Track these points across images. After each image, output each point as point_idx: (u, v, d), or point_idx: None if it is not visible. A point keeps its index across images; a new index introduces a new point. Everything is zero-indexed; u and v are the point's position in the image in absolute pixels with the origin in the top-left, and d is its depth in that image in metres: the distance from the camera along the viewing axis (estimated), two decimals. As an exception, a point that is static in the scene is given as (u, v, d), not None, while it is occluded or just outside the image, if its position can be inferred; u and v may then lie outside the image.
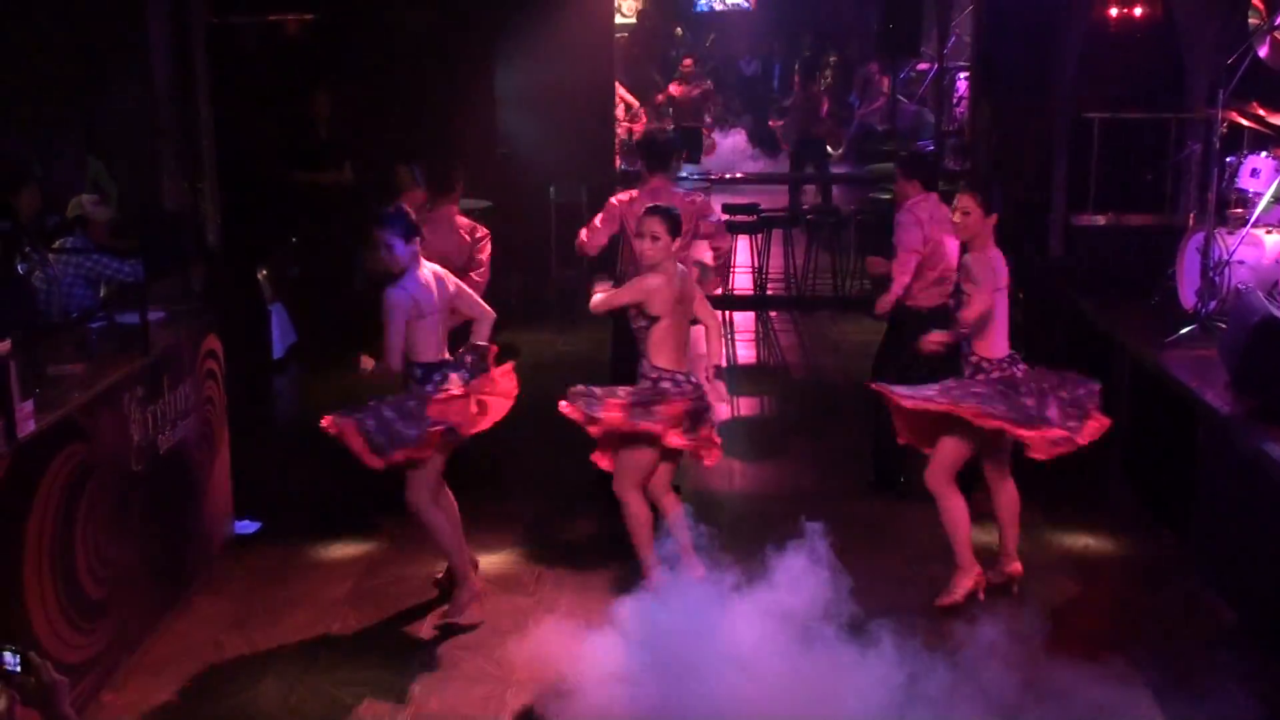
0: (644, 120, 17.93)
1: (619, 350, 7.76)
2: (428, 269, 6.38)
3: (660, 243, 6.28)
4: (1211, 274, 8.26)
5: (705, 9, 26.93)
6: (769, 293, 13.19)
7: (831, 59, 22.42)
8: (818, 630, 5.66)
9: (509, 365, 6.52)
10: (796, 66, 19.51)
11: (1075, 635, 6.22)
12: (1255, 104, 8.74)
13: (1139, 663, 5.92)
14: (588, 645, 5.82)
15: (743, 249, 13.08)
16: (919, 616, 6.29)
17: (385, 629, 6.51)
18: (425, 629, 6.48)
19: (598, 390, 6.39)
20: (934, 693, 5.50)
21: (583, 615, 6.30)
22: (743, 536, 6.81)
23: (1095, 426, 6.34)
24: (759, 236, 13.10)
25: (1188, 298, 8.58)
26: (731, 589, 5.87)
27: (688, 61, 20.93)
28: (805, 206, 15.28)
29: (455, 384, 6.28)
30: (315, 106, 11.54)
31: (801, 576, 5.85)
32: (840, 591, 5.79)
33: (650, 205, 6.51)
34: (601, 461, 6.49)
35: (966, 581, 6.60)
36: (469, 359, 6.43)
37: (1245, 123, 8.76)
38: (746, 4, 26.37)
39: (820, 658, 5.57)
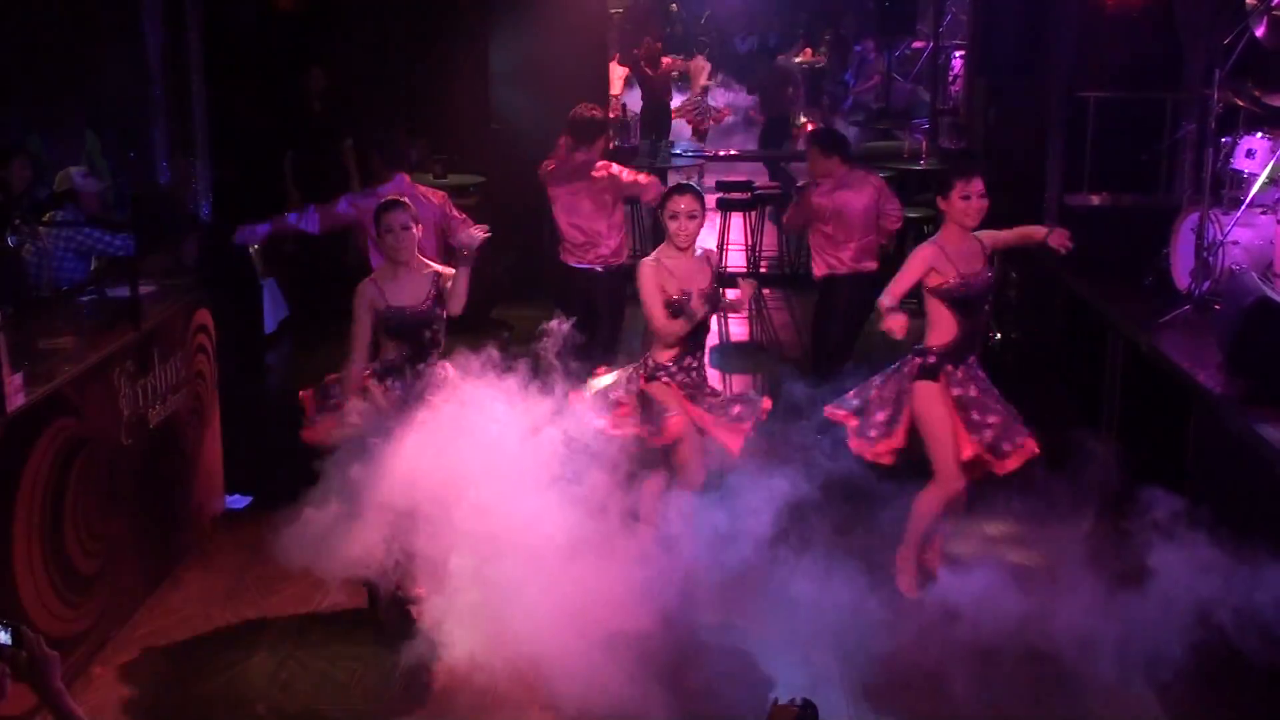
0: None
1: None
2: None
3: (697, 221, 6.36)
4: (1206, 254, 8.24)
5: (701, -16, 26.86)
6: (762, 270, 13.16)
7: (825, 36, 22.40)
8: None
9: None
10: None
11: (1061, 609, 6.24)
12: (1251, 84, 8.71)
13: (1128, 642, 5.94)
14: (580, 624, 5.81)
15: (736, 226, 13.05)
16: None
17: (377, 604, 6.48)
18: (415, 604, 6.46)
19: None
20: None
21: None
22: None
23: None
24: (752, 214, 13.06)
25: (1182, 278, 8.56)
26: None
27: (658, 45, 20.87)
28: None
29: None
30: (311, 81, 11.49)
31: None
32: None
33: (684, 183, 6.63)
34: None
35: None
36: None
37: (1241, 103, 8.72)
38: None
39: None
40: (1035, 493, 6.64)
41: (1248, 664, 5.34)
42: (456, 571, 5.71)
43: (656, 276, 6.31)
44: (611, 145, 13.77)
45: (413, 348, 6.20)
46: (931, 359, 6.32)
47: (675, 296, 6.27)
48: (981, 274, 6.32)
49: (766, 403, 6.56)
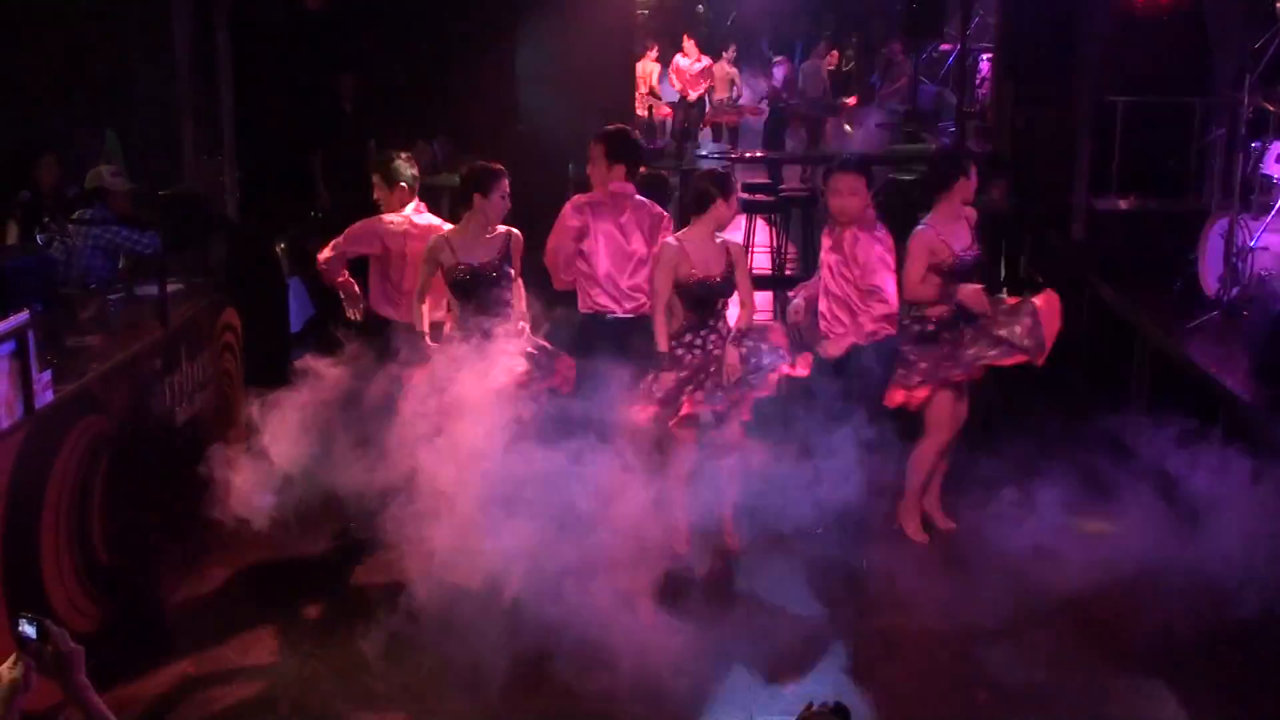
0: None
1: None
2: None
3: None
4: (1234, 260, 8.20)
5: (727, -14, 26.80)
6: (788, 273, 13.12)
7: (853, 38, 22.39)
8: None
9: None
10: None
11: (1089, 621, 6.22)
12: (1282, 89, 8.67)
13: (1154, 655, 5.93)
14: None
15: (761, 228, 13.03)
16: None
17: (400, 599, 6.46)
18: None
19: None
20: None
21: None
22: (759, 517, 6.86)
23: None
24: (778, 216, 13.02)
25: (1210, 284, 8.52)
26: None
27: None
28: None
29: None
30: (340, 82, 11.51)
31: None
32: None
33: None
34: None
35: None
36: None
37: (1271, 108, 8.68)
38: (769, -19, 26.22)
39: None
40: (1063, 481, 6.75)
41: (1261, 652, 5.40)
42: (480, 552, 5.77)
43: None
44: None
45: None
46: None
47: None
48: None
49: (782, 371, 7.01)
